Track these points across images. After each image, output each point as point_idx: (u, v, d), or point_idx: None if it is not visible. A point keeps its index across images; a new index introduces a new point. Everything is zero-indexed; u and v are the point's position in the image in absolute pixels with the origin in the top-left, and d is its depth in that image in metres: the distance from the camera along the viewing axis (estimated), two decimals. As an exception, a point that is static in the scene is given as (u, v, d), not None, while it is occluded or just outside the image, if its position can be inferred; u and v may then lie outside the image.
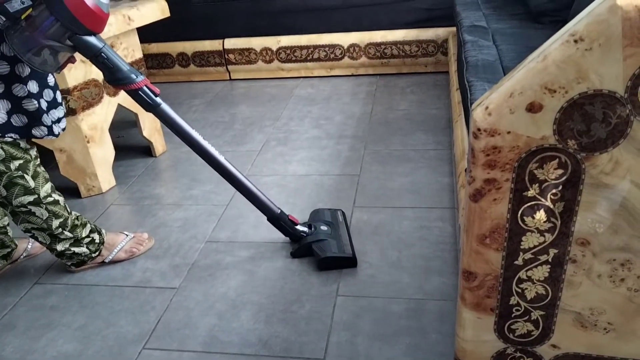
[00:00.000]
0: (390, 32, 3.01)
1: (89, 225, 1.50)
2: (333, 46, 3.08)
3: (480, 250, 0.79)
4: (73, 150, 1.89)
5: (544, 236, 0.76)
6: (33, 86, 1.29)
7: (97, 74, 1.92)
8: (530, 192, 0.72)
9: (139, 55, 2.18)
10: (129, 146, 2.41)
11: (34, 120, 1.30)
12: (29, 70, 1.27)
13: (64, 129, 1.39)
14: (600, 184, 0.70)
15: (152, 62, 3.32)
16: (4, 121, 1.26)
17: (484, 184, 0.73)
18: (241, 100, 2.95)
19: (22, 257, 1.59)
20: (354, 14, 3.06)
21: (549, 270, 0.79)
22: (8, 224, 1.54)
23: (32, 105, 1.29)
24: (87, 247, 1.49)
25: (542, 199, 0.72)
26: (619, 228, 0.73)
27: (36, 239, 1.44)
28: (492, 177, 0.72)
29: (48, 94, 1.33)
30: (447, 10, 2.84)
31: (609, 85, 0.63)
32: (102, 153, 1.97)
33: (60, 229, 1.41)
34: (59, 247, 1.45)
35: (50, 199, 1.38)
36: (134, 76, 1.27)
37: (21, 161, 1.31)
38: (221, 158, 1.42)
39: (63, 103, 1.40)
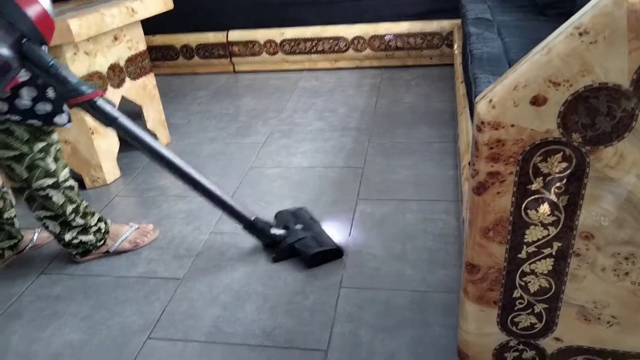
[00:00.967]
0: (395, 24, 3.00)
1: (96, 214, 1.53)
2: (337, 38, 3.07)
3: (484, 243, 0.79)
4: (78, 142, 1.90)
5: (548, 229, 0.75)
6: None
7: (100, 66, 1.92)
8: (534, 186, 0.72)
9: (142, 47, 2.17)
10: (134, 138, 2.41)
11: (57, 107, 1.33)
12: None
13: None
14: (605, 177, 0.70)
15: (156, 54, 3.32)
16: (27, 107, 1.29)
17: (487, 177, 0.73)
18: (245, 93, 2.95)
19: (27, 247, 1.61)
20: (358, 6, 3.05)
21: (552, 263, 0.79)
22: (15, 216, 1.55)
23: (54, 94, 1.33)
24: (94, 235, 1.51)
25: (546, 193, 0.72)
26: (624, 222, 0.73)
27: (46, 227, 1.46)
28: (496, 170, 0.72)
29: None
30: (452, 2, 2.82)
31: (614, 79, 0.63)
32: (107, 145, 1.98)
33: (73, 215, 1.44)
34: (68, 236, 1.47)
35: (67, 184, 1.41)
36: (84, 87, 1.22)
37: (44, 143, 1.35)
38: (190, 169, 1.38)
39: None
